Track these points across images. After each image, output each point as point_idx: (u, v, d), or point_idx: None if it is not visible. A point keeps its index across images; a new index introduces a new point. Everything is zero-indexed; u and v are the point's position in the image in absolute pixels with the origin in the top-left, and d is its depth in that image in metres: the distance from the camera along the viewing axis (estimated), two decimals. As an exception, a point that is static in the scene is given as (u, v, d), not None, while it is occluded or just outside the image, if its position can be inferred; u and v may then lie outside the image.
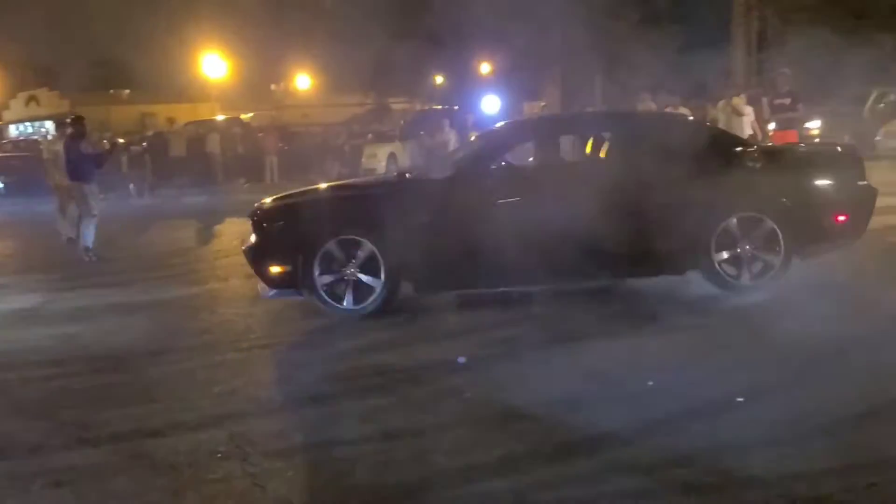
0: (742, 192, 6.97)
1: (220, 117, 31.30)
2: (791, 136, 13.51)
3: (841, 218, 7.11)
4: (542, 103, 25.63)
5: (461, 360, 5.70)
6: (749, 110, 14.03)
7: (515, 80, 28.86)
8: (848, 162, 7.43)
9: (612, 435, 4.26)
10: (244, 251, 7.39)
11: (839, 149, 8.09)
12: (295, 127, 30.87)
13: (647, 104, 14.98)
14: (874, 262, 7.83)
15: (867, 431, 4.15)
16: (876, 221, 7.52)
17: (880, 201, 7.41)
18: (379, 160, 25.50)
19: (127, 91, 39.95)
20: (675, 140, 7.10)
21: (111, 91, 38.61)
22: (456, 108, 27.09)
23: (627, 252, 6.83)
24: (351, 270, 6.87)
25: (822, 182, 7.22)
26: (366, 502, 3.77)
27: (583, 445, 4.17)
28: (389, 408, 4.92)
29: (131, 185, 22.02)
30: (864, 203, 7.18)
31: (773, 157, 7.52)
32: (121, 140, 21.88)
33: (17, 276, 10.59)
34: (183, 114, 32.41)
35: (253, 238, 7.24)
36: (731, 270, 6.99)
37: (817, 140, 13.58)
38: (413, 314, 7.08)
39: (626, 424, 4.38)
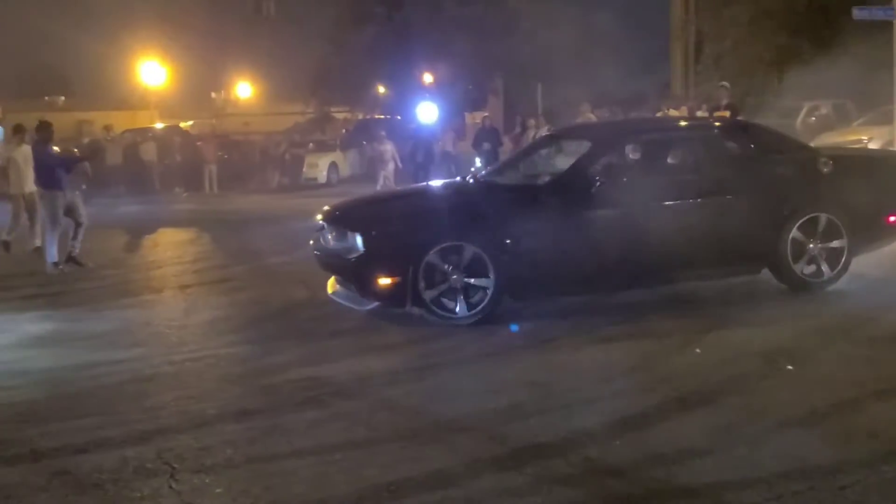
0: (817, 195, 7.38)
1: (159, 125, 30.76)
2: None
3: (893, 218, 7.60)
4: (485, 113, 25.71)
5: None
6: None
7: (458, 91, 28.95)
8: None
9: (547, 446, 4.27)
10: (317, 255, 7.37)
11: (892, 154, 8.92)
12: (235, 135, 30.48)
13: (587, 115, 15.15)
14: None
15: (796, 439, 4.22)
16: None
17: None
18: (320, 170, 25.35)
19: (62, 98, 39.07)
20: (754, 145, 7.71)
21: (46, 98, 37.70)
22: (399, 117, 27.12)
23: (715, 253, 7.15)
24: (456, 277, 6.70)
25: (879, 185, 7.64)
26: (296, 519, 3.71)
27: (517, 458, 4.16)
28: (324, 421, 4.85)
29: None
30: None
31: (840, 161, 7.82)
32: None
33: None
34: (121, 121, 31.77)
35: (359, 246, 6.84)
36: (806, 270, 7.31)
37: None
38: (350, 327, 7.01)
39: (560, 435, 4.39)
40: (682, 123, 8.88)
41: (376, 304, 6.94)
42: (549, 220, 6.94)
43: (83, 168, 11.45)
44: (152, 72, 34.40)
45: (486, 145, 19.02)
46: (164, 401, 5.35)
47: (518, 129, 19.99)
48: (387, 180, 18.87)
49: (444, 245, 6.69)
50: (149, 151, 24.59)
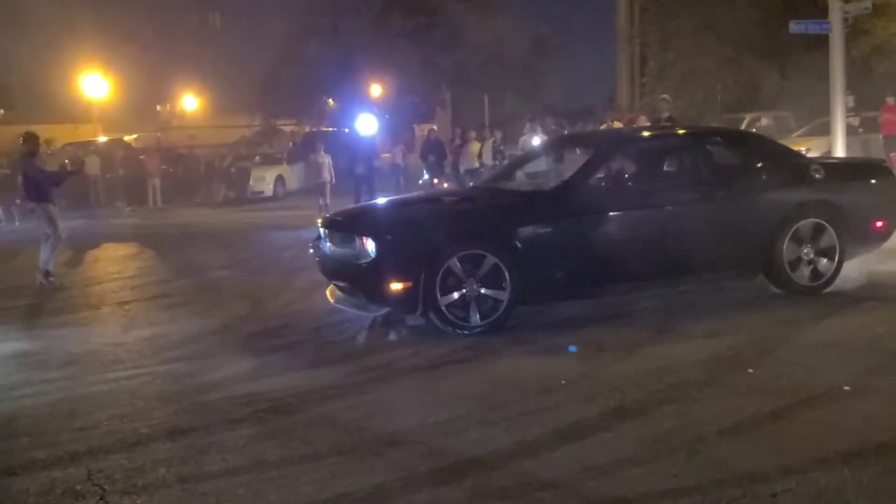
0: (811, 201, 7.57)
1: (102, 138, 30.25)
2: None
3: (879, 224, 7.86)
4: (434, 126, 25.79)
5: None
6: None
7: (406, 103, 29.00)
8: (885, 174, 8.22)
9: (485, 460, 4.24)
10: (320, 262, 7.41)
11: (877, 162, 9.07)
12: (180, 149, 30.10)
13: (533, 126, 15.24)
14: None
15: (731, 447, 4.25)
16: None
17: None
18: (267, 183, 25.15)
19: (1, 111, 38.25)
20: (752, 155, 7.92)
21: (-18, 111, 36.90)
22: (346, 130, 27.02)
23: (714, 255, 7.32)
24: (474, 286, 6.66)
25: (868, 192, 7.95)
26: (228, 539, 3.62)
27: (455, 472, 4.12)
28: (261, 438, 4.76)
29: (-1, 209, 21.03)
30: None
31: (831, 169, 8.03)
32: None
33: None
34: (63, 134, 31.18)
35: (371, 250, 6.76)
36: (801, 275, 7.50)
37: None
38: (291, 342, 6.92)
39: (498, 448, 4.36)
40: (682, 132, 9.01)
41: (385, 310, 6.92)
42: (561, 225, 7.00)
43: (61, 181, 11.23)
44: (95, 84, 33.77)
45: (431, 157, 19.04)
46: (96, 420, 5.21)
47: (458, 141, 20.03)
48: (323, 195, 18.65)
49: (463, 253, 6.66)
50: (92, 165, 24.16)
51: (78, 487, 4.18)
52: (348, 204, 12.85)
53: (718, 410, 4.74)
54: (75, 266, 12.71)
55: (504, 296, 6.72)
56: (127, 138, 32.00)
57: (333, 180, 18.92)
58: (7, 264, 13.20)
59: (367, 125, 16.87)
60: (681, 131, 9.13)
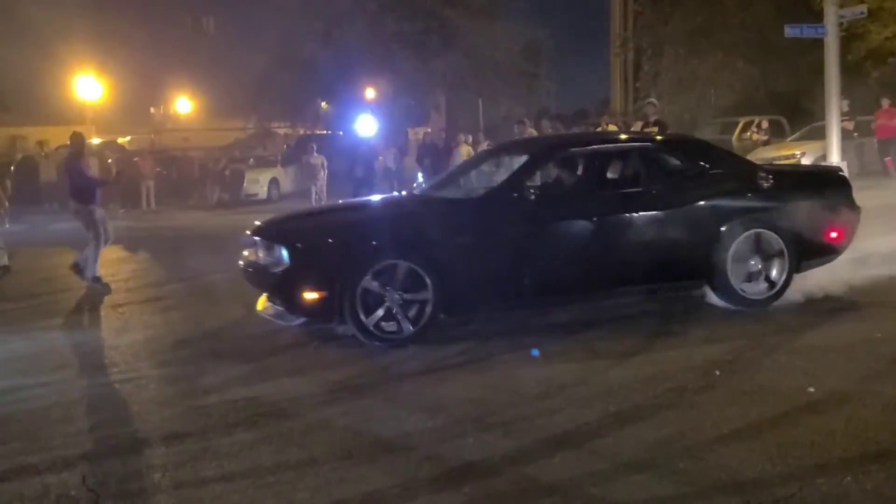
0: (757, 210, 7.34)
1: (96, 140, 30.14)
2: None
3: (833, 235, 7.57)
4: (428, 129, 25.73)
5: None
6: None
7: (400, 106, 28.98)
8: (840, 183, 7.96)
9: (484, 465, 4.20)
10: (245, 271, 7.08)
11: (832, 170, 8.78)
12: (174, 151, 30.01)
13: (529, 131, 15.22)
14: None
15: (733, 452, 4.22)
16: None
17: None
18: (261, 185, 25.09)
19: (-9, 113, 38.10)
20: (694, 161, 7.63)
21: (-28, 114, 36.72)
22: (340, 133, 26.99)
23: (650, 266, 7.08)
24: (397, 296, 6.53)
25: (820, 201, 7.62)
26: (224, 546, 3.58)
27: (453, 477, 4.08)
28: (256, 443, 4.71)
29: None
30: (851, 221, 7.68)
31: (780, 177, 7.75)
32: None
33: None
34: (56, 136, 31.08)
35: (284, 259, 6.64)
36: (746, 287, 7.26)
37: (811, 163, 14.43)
38: (287, 346, 6.87)
39: (497, 454, 4.33)
40: (622, 137, 8.81)
41: (303, 320, 6.74)
42: (484, 233, 6.83)
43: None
44: (88, 86, 33.68)
45: (426, 161, 19.02)
46: (90, 425, 5.17)
47: (451, 144, 19.99)
48: (318, 195, 18.60)
49: (382, 263, 6.53)
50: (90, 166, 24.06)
51: (72, 493, 4.14)
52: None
53: (718, 416, 4.71)
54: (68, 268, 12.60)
55: (428, 294, 6.55)
56: (121, 140, 31.88)
57: (323, 180, 18.80)
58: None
59: (366, 126, 16.69)
60: (621, 136, 8.89)
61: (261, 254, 7.04)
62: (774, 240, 7.27)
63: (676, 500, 3.70)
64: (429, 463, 4.29)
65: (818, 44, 15.63)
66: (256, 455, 4.53)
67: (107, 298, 9.66)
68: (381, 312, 6.51)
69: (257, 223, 7.50)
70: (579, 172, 7.73)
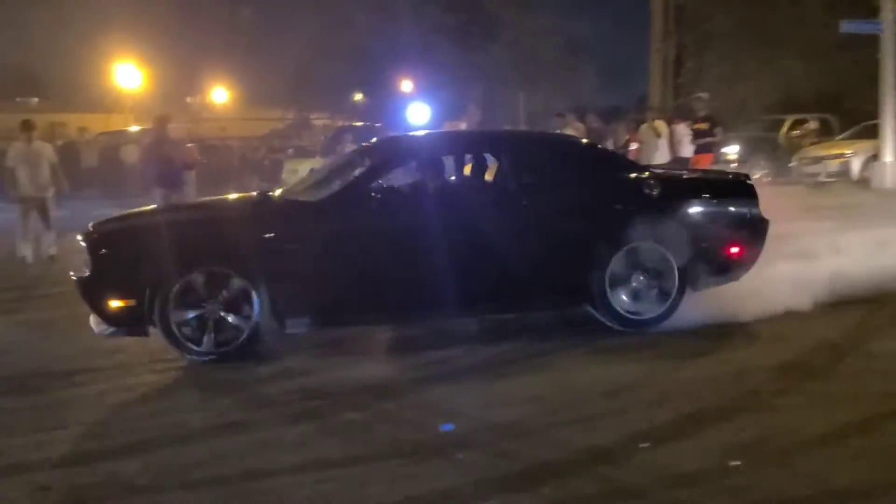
0: (637, 221, 6.48)
1: (134, 128, 30.31)
2: (707, 160, 13.71)
3: (734, 250, 6.76)
4: (463, 124, 25.57)
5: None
6: (667, 132, 14.14)
7: (438, 99, 28.83)
8: (744, 193, 6.97)
9: (558, 465, 4.05)
10: (75, 281, 6.18)
11: (736, 179, 7.51)
12: (212, 140, 30.12)
13: (575, 125, 15.01)
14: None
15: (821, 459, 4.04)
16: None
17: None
18: (300, 175, 25.04)
19: (36, 99, 38.49)
20: (564, 164, 6.93)
21: (17, 99, 37.13)
22: (378, 124, 26.91)
23: (511, 283, 6.37)
24: (213, 308, 5.94)
25: (717, 212, 6.82)
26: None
27: (528, 477, 3.94)
28: (318, 435, 4.61)
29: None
30: (757, 236, 6.79)
31: (670, 184, 7.00)
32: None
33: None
34: (95, 124, 31.35)
35: (87, 265, 6.09)
36: (628, 306, 6.49)
37: (717, 168, 13.58)
38: (346, 336, 6.72)
39: (570, 453, 4.18)
40: (486, 137, 7.89)
41: (113, 329, 6.07)
42: (323, 240, 6.19)
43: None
44: (128, 75, 33.91)
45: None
46: (148, 411, 5.09)
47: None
48: None
49: (194, 272, 5.91)
50: (131, 154, 24.19)
51: (136, 482, 4.04)
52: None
53: (800, 420, 4.53)
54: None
55: (245, 325, 5.96)
56: (133, 129, 31.98)
57: None
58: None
59: (418, 115, 16.09)
60: (486, 136, 7.89)
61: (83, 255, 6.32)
62: (661, 254, 6.47)
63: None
64: (499, 461, 4.15)
65: (867, 41, 15.28)
66: (321, 447, 4.42)
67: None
68: (190, 315, 5.91)
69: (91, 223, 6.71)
70: (438, 176, 6.94)
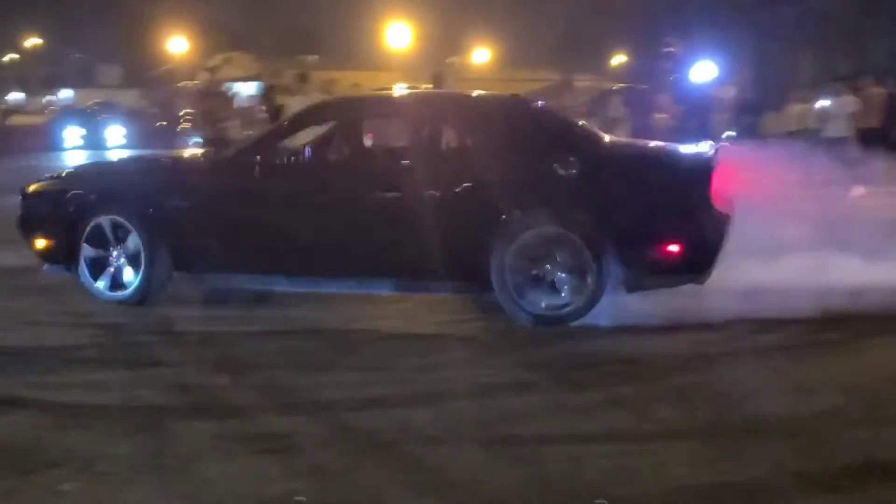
0: (539, 202, 5.73)
1: (401, 86, 31.49)
2: None
3: (672, 248, 5.63)
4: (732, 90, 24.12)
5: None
6: None
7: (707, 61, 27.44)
8: (691, 176, 5.75)
9: (887, 464, 3.62)
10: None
11: (683, 155, 6.25)
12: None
13: (871, 90, 13.67)
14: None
15: None
16: None
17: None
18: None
19: (316, 57, 40.98)
20: (468, 129, 6.43)
21: (298, 57, 39.69)
22: (644, 87, 26.08)
23: (409, 261, 5.91)
24: (114, 255, 6.38)
25: (652, 198, 5.71)
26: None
27: (854, 476, 3.54)
28: (605, 405, 4.41)
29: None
30: (707, 231, 5.61)
31: (594, 161, 5.97)
32: None
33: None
34: (365, 81, 32.85)
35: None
36: (537, 300, 5.72)
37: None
38: (621, 301, 6.40)
39: (897, 455, 3.72)
40: (417, 99, 6.90)
41: (51, 266, 6.70)
42: (216, 195, 6.36)
43: None
44: (398, 34, 35.22)
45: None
46: (442, 361, 5.16)
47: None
48: None
49: (98, 218, 6.34)
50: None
51: (427, 432, 4.06)
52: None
53: None
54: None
55: (136, 274, 6.32)
56: (424, 87, 32.99)
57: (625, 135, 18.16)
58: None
59: (704, 73, 14.65)
60: (416, 98, 6.86)
61: None
62: (574, 243, 5.56)
63: None
64: (816, 453, 3.75)
65: None
66: (610, 418, 4.24)
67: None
68: (92, 253, 6.38)
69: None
70: (339, 140, 6.73)
